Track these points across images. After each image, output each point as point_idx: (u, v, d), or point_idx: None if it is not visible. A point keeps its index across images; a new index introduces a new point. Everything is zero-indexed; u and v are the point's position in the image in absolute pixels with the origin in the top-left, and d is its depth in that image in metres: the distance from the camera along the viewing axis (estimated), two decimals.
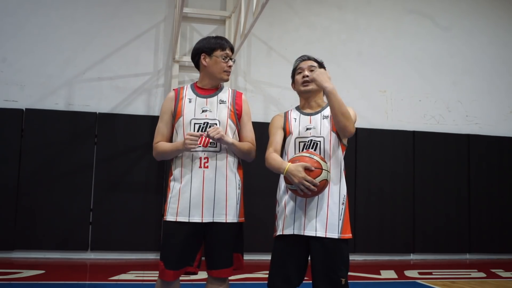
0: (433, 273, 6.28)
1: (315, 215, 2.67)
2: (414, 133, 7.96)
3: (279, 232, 2.75)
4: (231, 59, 2.89)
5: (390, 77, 8.20)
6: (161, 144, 2.85)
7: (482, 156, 8.13)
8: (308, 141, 2.77)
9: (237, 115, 2.87)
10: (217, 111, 2.80)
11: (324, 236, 2.65)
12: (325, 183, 2.59)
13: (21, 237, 6.57)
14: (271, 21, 7.67)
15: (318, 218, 2.66)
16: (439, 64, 8.41)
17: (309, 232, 2.66)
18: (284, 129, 2.88)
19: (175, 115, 2.82)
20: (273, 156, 2.77)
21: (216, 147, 2.74)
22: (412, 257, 7.76)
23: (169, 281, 2.72)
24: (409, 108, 8.20)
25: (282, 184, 2.81)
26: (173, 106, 2.84)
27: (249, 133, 2.91)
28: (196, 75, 7.51)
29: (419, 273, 6.24)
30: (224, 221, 2.72)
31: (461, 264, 7.42)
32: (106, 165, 6.90)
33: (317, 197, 2.68)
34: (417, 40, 8.37)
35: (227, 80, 2.92)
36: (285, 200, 2.77)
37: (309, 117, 2.83)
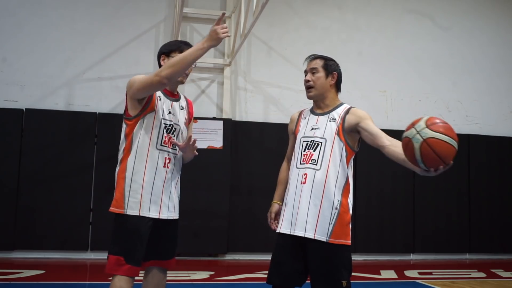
0: (433, 273, 6.29)
1: (306, 215, 2.67)
2: None
3: (277, 230, 2.80)
4: None
5: (390, 77, 8.20)
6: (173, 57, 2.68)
7: (482, 156, 8.12)
8: (310, 141, 2.78)
9: (188, 121, 2.98)
10: (178, 116, 2.88)
11: (312, 237, 2.64)
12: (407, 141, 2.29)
13: (21, 237, 6.57)
14: (271, 21, 7.67)
15: (309, 219, 2.66)
16: (439, 64, 8.41)
17: (298, 232, 2.67)
18: (294, 131, 2.93)
19: (150, 102, 2.74)
20: (280, 175, 3.00)
21: (176, 150, 2.83)
22: (412, 257, 7.76)
23: (134, 276, 2.77)
24: (409, 108, 8.20)
25: (289, 184, 2.82)
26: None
27: (191, 133, 3.01)
28: (196, 75, 7.54)
29: (419, 273, 6.25)
30: (178, 217, 2.92)
31: (461, 264, 7.42)
32: (106, 165, 6.87)
33: (309, 197, 2.68)
34: (417, 40, 8.37)
35: (182, 83, 2.90)
36: (285, 199, 2.82)
37: (317, 117, 2.85)
